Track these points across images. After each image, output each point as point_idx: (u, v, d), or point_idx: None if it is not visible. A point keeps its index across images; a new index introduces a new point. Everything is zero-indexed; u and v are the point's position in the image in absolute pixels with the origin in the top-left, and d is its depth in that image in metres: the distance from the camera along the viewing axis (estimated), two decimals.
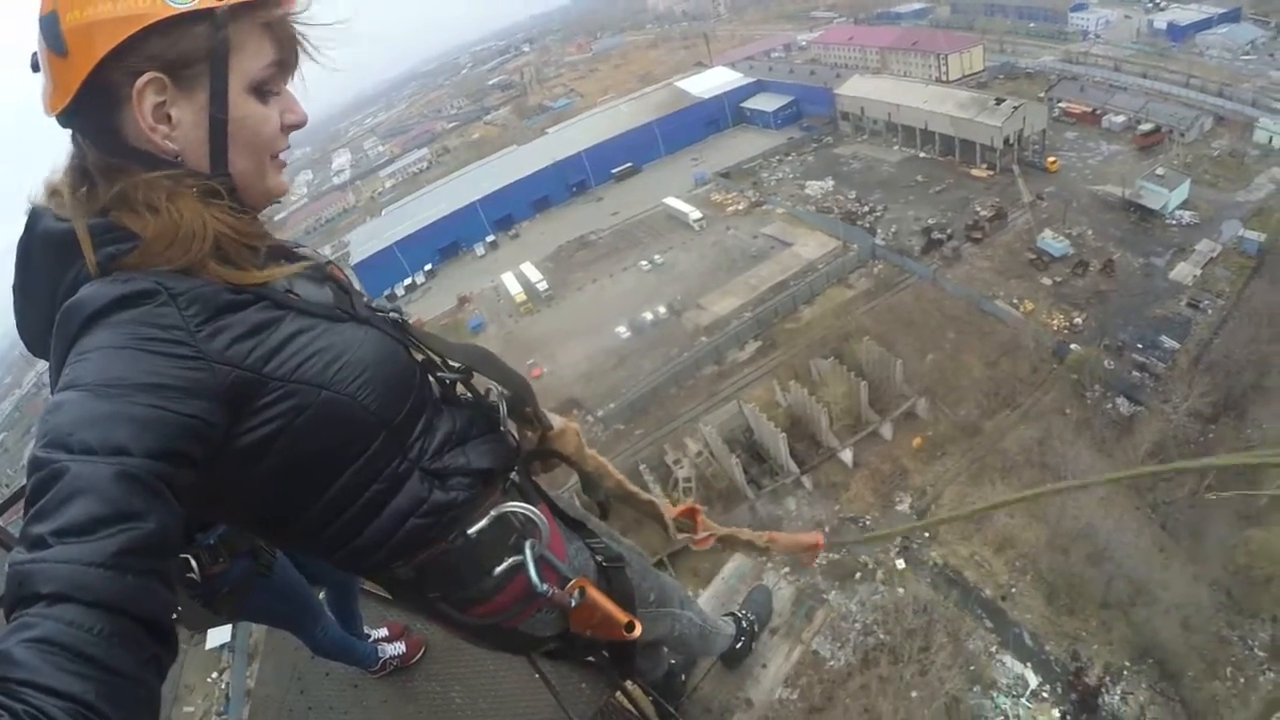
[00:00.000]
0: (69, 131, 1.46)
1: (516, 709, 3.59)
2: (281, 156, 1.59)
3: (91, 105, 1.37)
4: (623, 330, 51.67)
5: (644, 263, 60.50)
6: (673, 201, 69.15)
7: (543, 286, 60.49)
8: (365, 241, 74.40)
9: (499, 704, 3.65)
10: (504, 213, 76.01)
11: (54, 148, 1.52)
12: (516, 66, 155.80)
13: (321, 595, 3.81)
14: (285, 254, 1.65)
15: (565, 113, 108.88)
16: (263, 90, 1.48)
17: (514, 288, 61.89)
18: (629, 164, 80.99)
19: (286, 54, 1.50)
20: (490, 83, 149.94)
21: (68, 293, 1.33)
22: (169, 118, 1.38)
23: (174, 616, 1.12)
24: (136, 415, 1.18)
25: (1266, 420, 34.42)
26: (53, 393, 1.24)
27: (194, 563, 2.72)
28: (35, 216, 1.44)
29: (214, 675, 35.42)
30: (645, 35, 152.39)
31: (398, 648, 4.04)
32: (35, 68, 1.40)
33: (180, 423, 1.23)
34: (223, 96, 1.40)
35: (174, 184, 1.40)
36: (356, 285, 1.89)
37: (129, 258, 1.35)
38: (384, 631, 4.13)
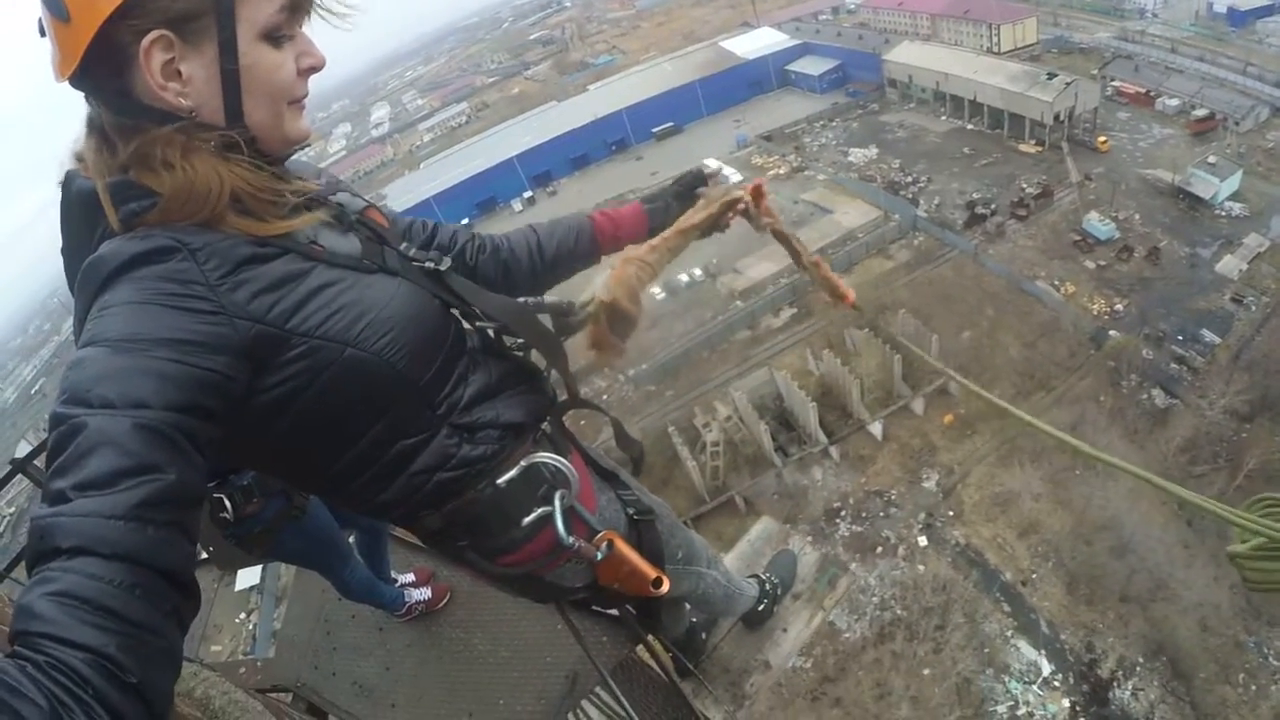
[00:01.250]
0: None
1: (538, 658, 3.64)
2: (303, 101, 1.52)
3: (100, 68, 1.33)
4: (657, 291, 51.46)
5: None
6: (713, 163, 67.92)
7: None
8: (403, 195, 74.11)
9: (521, 652, 3.72)
10: (542, 169, 75.95)
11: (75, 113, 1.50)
12: (558, 22, 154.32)
13: (351, 539, 3.85)
14: (312, 202, 1.59)
15: (607, 70, 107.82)
16: (275, 36, 1.41)
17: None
18: (670, 124, 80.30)
19: None
20: (531, 38, 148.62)
21: (95, 249, 1.33)
22: (179, 74, 1.34)
23: (195, 568, 1.11)
24: (156, 369, 1.17)
25: None
26: (76, 348, 1.23)
27: (228, 502, 2.78)
28: (69, 179, 1.43)
29: (242, 616, 36.30)
30: None
31: (424, 593, 4.09)
32: (42, 33, 1.36)
33: (201, 376, 1.22)
34: (232, 47, 1.35)
35: (189, 139, 1.37)
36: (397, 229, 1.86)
37: (150, 215, 1.34)
38: (411, 577, 4.19)
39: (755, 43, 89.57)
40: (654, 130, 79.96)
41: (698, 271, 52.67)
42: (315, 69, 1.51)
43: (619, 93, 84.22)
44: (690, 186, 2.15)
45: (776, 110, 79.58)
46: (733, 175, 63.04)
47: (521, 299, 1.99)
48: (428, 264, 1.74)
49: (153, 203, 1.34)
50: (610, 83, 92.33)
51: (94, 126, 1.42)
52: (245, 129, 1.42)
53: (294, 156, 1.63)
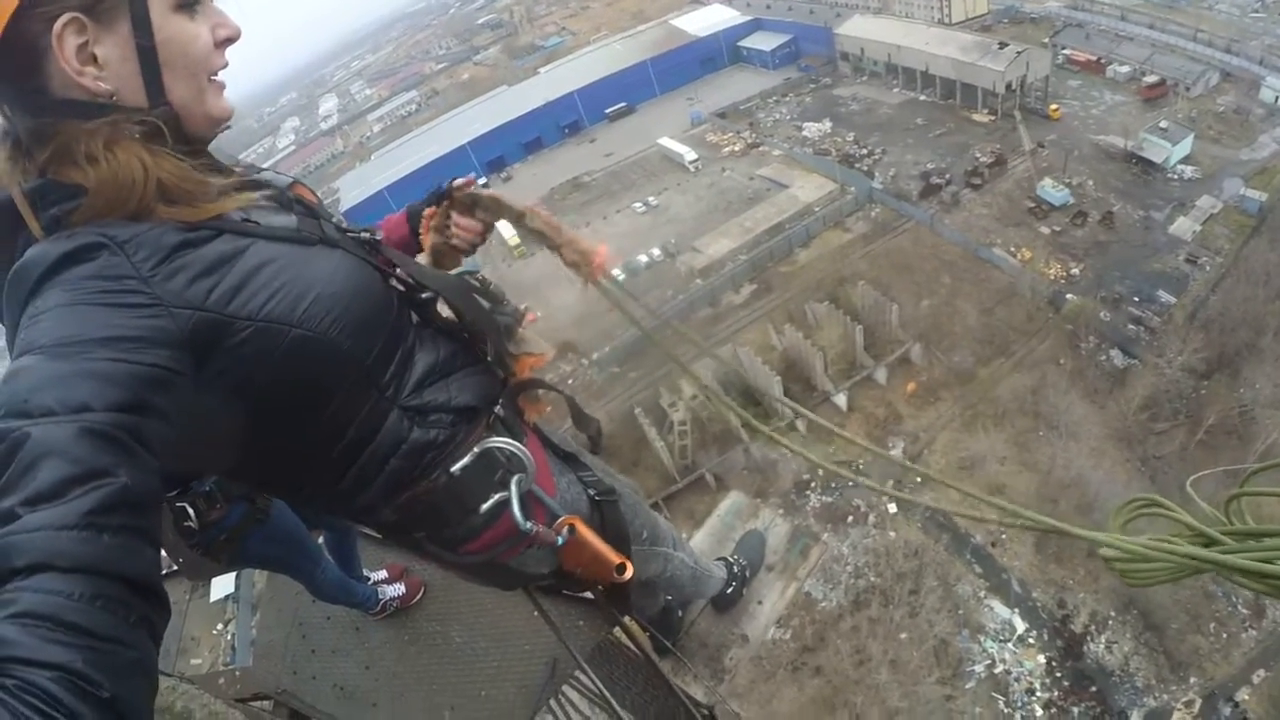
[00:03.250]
0: None
1: (517, 646, 3.62)
2: (221, 76, 1.49)
3: (12, 64, 1.28)
4: (617, 273, 51.37)
5: (638, 204, 60.04)
6: (668, 142, 68.27)
7: None
8: (355, 187, 73.46)
9: (499, 641, 3.70)
10: (495, 155, 75.17)
11: None
12: (506, 4, 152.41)
13: (320, 539, 3.80)
14: (241, 184, 1.56)
15: (557, 51, 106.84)
16: (188, 5, 1.38)
17: (506, 231, 59.50)
18: (623, 104, 79.79)
19: None
20: (479, 22, 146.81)
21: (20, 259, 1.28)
22: (94, 58, 1.30)
23: (161, 573, 1.06)
24: (96, 370, 1.12)
25: (1260, 380, 34.80)
26: (11, 360, 1.17)
27: (191, 510, 2.71)
28: None
29: (219, 626, 35.91)
30: None
31: (397, 589, 4.05)
32: None
33: (143, 373, 1.17)
34: (146, 21, 1.32)
35: (113, 129, 1.32)
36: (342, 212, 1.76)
37: (75, 215, 1.29)
38: (383, 573, 4.14)
39: (706, 20, 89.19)
40: (607, 111, 79.27)
41: (656, 251, 52.73)
42: (232, 40, 1.48)
43: (570, 75, 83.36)
44: (436, 197, 2.10)
45: (730, 87, 79.39)
46: (688, 153, 63.23)
47: (455, 271, 2.01)
48: (363, 234, 1.74)
49: (76, 203, 1.29)
50: (561, 65, 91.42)
51: (4, 137, 1.38)
52: (169, 108, 1.38)
53: (215, 143, 1.59)
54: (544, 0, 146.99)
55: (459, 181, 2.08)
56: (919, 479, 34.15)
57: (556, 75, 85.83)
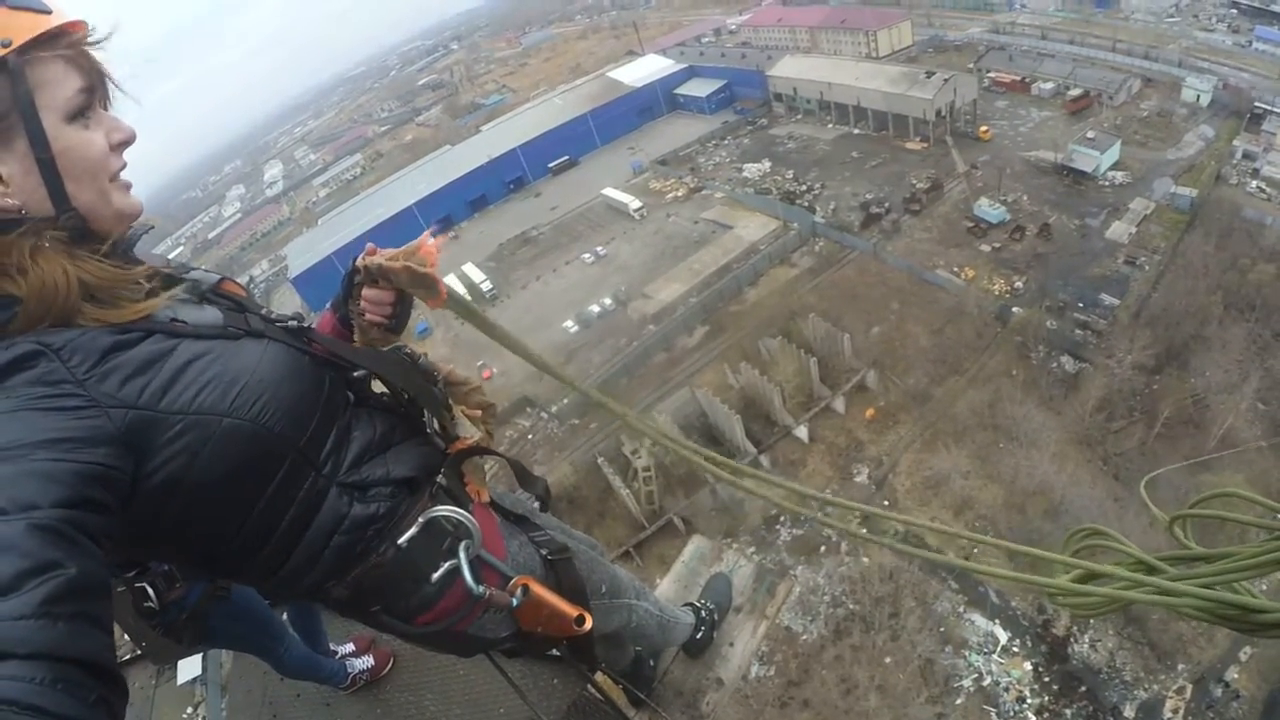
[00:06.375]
0: None
1: (492, 711, 3.59)
2: (124, 177, 1.54)
3: None
4: (570, 324, 51.47)
5: (587, 255, 60.36)
6: (612, 192, 69.01)
7: (486, 286, 59.83)
8: (303, 254, 72.84)
9: (473, 708, 3.65)
10: (442, 214, 74.95)
11: None
12: (446, 65, 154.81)
13: (284, 616, 3.76)
14: (167, 282, 1.62)
15: (498, 109, 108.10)
16: (81, 117, 1.44)
17: (457, 289, 60.76)
18: (565, 157, 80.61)
19: (93, 78, 1.46)
20: (420, 83, 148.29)
21: None
22: (0, 177, 1.36)
23: (115, 657, 1.12)
24: (41, 470, 1.18)
25: (1209, 368, 35.50)
26: None
27: (150, 590, 2.69)
28: None
29: (189, 710, 34.73)
30: (574, 26, 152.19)
31: (366, 661, 4.00)
32: None
33: (84, 470, 1.22)
34: (41, 137, 1.37)
35: (36, 239, 1.38)
36: (299, 302, 1.76)
37: (13, 324, 1.36)
38: (350, 646, 4.09)
39: (642, 70, 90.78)
40: (550, 165, 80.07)
41: (608, 301, 52.95)
42: (126, 143, 1.53)
43: (512, 131, 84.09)
44: (349, 280, 2.07)
45: (669, 134, 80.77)
46: (632, 202, 63.81)
47: (390, 347, 2.01)
48: (290, 323, 1.78)
49: (13, 313, 1.35)
50: (502, 122, 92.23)
51: None
52: (75, 213, 1.43)
53: (140, 245, 1.63)
54: (483, 59, 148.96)
55: (363, 256, 2.02)
56: (885, 501, 34.35)
57: (498, 132, 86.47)
